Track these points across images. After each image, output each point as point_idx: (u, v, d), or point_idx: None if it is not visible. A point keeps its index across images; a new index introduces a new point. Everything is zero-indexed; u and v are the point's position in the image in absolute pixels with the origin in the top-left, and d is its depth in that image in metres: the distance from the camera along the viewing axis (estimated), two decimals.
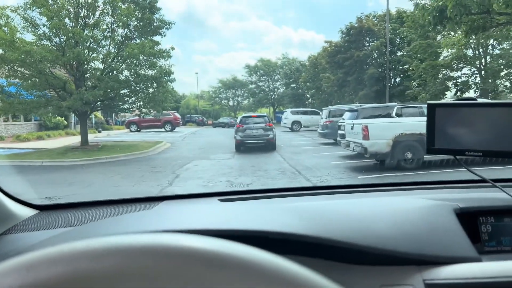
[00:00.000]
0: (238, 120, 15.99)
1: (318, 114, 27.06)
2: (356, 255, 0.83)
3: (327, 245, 0.81)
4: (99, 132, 27.10)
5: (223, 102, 51.64)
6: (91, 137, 22.40)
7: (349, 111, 12.02)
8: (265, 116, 15.89)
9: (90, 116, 31.84)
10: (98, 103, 15.29)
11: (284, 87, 44.52)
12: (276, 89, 46.37)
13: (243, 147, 14.97)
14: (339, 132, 11.95)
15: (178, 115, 30.28)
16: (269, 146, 14.87)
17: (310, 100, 38.33)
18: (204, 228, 0.82)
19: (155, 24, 15.16)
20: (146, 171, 10.94)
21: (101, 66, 14.84)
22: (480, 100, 1.00)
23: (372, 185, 1.58)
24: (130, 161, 12.95)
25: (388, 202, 1.14)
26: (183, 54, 73.73)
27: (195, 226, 0.83)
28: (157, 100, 14.94)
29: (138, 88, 14.86)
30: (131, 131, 28.65)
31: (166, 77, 15.11)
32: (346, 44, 25.72)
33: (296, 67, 42.17)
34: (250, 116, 15.73)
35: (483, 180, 1.06)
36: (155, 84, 14.75)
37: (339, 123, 12.06)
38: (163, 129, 28.51)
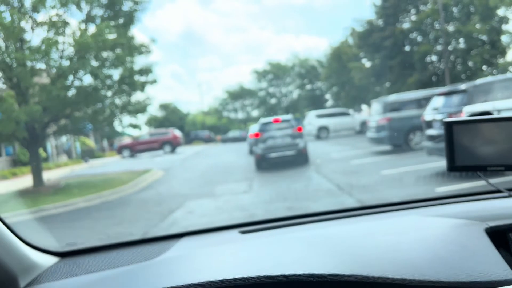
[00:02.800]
0: (255, 129, 11.25)
1: (348, 115, 22.16)
2: None
3: (362, 282, 0.77)
4: (86, 162, 22.53)
5: (231, 114, 47.07)
6: (67, 170, 17.86)
7: (445, 94, 6.99)
8: (290, 119, 11.12)
9: (77, 143, 27.38)
10: (51, 124, 10.55)
11: (299, 90, 39.65)
12: (289, 93, 41.52)
13: (266, 163, 10.81)
14: (430, 132, 6.98)
15: (178, 133, 25.55)
16: (300, 160, 10.73)
17: (331, 101, 33.28)
18: (228, 278, 0.81)
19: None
20: (99, 234, 6.08)
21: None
22: (496, 115, 1.02)
23: (397, 204, 1.47)
24: (88, 210, 8.14)
25: (416, 223, 1.13)
26: (187, 73, 73.41)
27: (219, 277, 0.83)
28: (131, 110, 10.14)
29: (102, 97, 10.05)
30: (123, 157, 23.99)
31: (140, 77, 10.34)
32: (383, 18, 20.14)
33: (310, 65, 37.27)
34: (271, 122, 10.93)
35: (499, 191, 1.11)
36: (126, 89, 9.94)
37: (427, 118, 7.08)
38: (162, 151, 23.76)
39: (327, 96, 36.22)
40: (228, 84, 72.70)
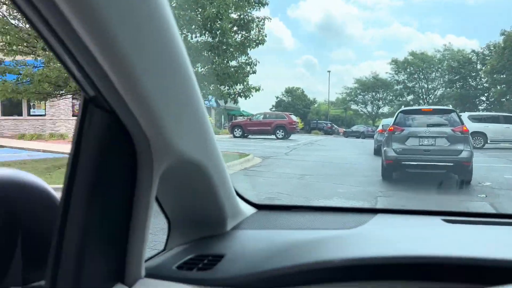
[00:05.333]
0: (391, 121, 7.74)
1: None
2: None
3: None
4: None
5: (359, 107, 42.66)
6: None
7: None
8: (451, 111, 7.29)
9: None
10: None
11: (445, 87, 33.29)
12: (431, 90, 35.37)
13: (400, 173, 7.28)
14: None
15: (294, 118, 22.69)
16: (458, 178, 6.90)
17: (487, 104, 26.77)
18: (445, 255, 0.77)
19: None
20: None
21: None
22: None
23: None
24: None
25: None
26: (319, 64, 73.92)
27: (427, 252, 0.81)
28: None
29: None
30: (234, 136, 22.12)
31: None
32: None
33: (466, 58, 30.63)
34: (419, 110, 7.33)
35: None
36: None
37: None
38: (273, 136, 21.24)
39: (483, 98, 29.47)
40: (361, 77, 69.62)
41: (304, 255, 0.91)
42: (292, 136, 21.83)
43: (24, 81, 7.74)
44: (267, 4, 9.03)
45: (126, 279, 0.77)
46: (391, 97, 38.91)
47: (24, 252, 0.72)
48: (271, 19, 9.07)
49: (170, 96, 0.72)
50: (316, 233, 1.06)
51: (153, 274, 0.83)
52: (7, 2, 7.94)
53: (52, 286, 0.66)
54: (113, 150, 0.71)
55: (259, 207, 1.33)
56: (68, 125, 16.08)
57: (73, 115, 16.64)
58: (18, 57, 8.40)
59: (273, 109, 42.51)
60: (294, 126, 21.88)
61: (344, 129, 34.04)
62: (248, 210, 1.27)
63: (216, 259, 0.93)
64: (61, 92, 8.39)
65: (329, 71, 50.25)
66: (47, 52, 7.08)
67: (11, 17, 7.83)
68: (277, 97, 48.39)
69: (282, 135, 21.19)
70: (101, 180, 0.70)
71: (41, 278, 0.72)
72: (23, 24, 7.96)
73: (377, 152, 11.07)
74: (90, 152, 0.68)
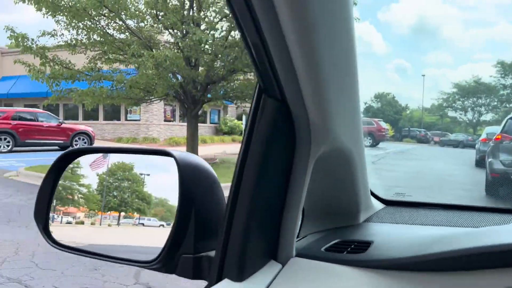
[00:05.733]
0: (497, 129, 6.89)
1: None
2: None
3: None
4: None
5: (457, 114, 39.35)
6: None
7: None
8: None
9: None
10: (210, 86, 8.67)
11: None
12: None
13: (508, 187, 6.55)
14: None
15: (383, 125, 21.59)
16: None
17: None
18: None
19: None
20: None
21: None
22: None
23: None
24: None
25: None
26: (412, 68, 69.59)
27: None
28: None
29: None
30: None
31: None
32: None
33: None
34: None
35: None
36: None
37: None
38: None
39: None
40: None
41: (461, 244, 0.82)
42: (381, 144, 20.73)
43: (118, 87, 8.30)
44: (355, 4, 8.56)
45: (279, 257, 0.82)
46: (495, 103, 35.24)
47: (196, 226, 0.82)
48: (359, 19, 8.58)
49: (338, 84, 0.75)
50: (462, 230, 1.02)
51: (303, 254, 0.86)
52: (106, 14, 8.58)
53: (222, 256, 0.74)
54: (278, 136, 0.76)
55: (387, 202, 1.34)
56: (159, 130, 17.04)
57: (164, 120, 17.62)
58: (115, 65, 9.03)
59: (361, 116, 41.07)
60: (383, 133, 20.81)
61: (439, 138, 31.64)
62: (377, 204, 1.28)
63: (364, 245, 0.92)
64: (151, 97, 8.87)
65: (423, 75, 47.32)
66: (138, 59, 7.46)
67: (108, 27, 8.47)
68: (365, 103, 46.61)
69: (369, 142, 20.17)
70: (267, 166, 0.75)
71: (207, 248, 0.82)
72: (118, 34, 8.60)
73: (479, 163, 9.91)
74: (261, 138, 0.73)
